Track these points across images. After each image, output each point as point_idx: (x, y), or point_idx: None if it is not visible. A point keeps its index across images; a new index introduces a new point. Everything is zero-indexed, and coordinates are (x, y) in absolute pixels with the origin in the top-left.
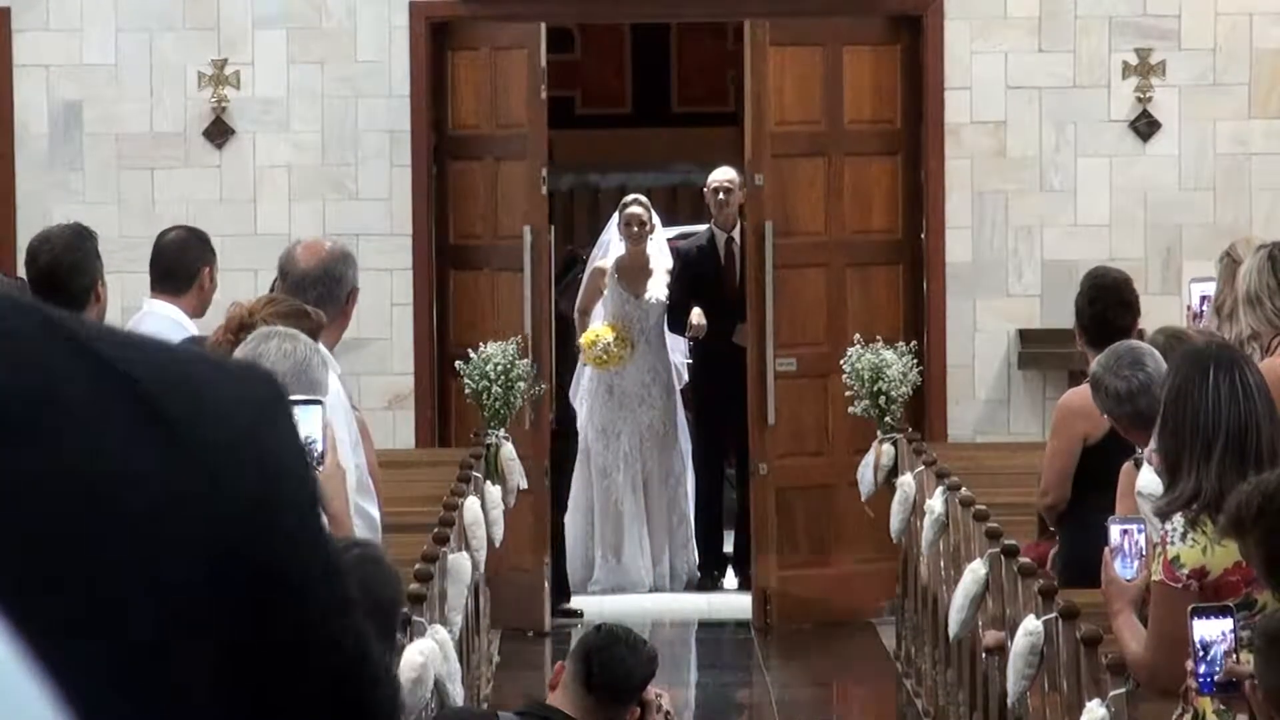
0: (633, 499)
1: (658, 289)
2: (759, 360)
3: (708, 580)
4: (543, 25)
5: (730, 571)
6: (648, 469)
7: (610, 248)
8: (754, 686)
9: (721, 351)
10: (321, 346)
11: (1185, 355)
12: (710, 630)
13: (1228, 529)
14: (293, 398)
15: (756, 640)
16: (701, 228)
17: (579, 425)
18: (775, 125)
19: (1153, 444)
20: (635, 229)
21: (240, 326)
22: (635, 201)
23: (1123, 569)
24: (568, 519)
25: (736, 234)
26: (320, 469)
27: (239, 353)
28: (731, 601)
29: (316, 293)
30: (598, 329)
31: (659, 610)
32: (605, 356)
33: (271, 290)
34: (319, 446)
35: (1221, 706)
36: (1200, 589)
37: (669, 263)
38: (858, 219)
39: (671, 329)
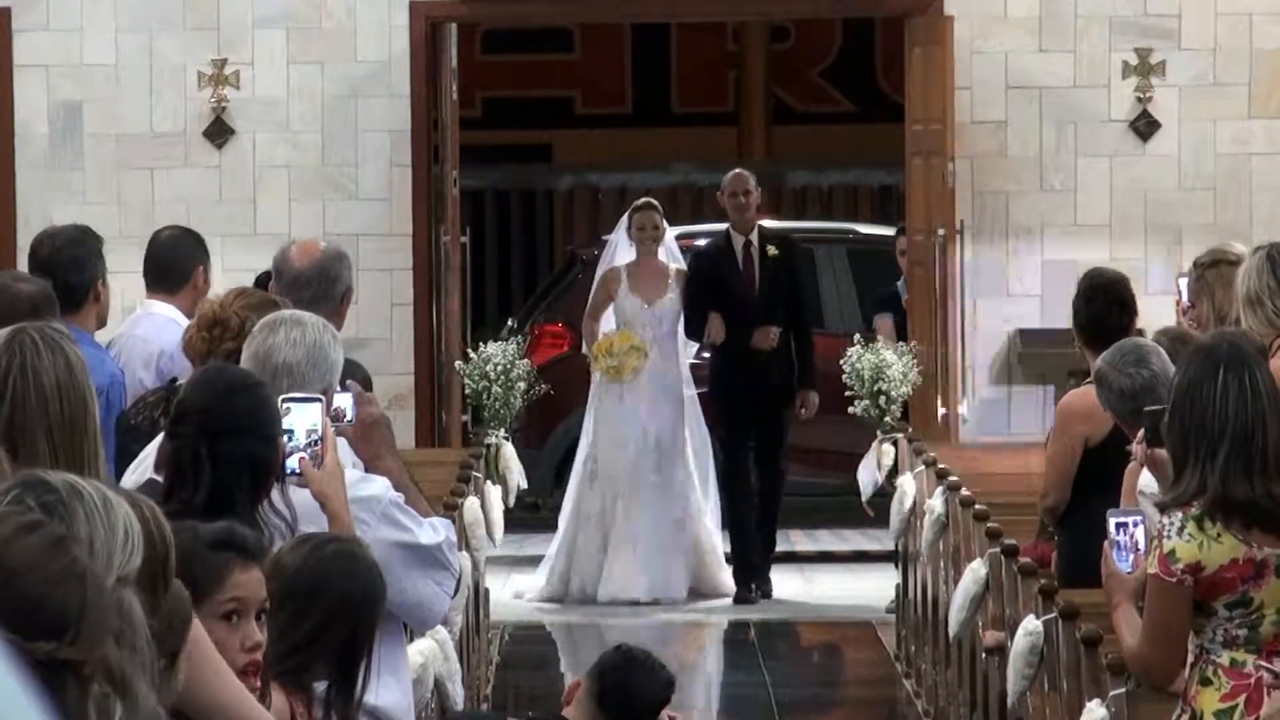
0: (638, 508)
1: (670, 294)
2: None
3: (744, 593)
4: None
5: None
6: (651, 478)
7: (618, 251)
8: (754, 686)
9: (741, 357)
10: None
11: (1197, 351)
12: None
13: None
14: (292, 395)
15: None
16: (709, 227)
17: (584, 434)
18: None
19: (1140, 435)
20: (649, 232)
21: (213, 323)
22: (648, 205)
23: (1119, 562)
24: (563, 528)
25: (754, 237)
26: (319, 468)
27: (247, 350)
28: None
29: (311, 292)
30: (611, 337)
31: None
32: (618, 366)
33: (256, 287)
34: (319, 444)
35: (1222, 706)
36: (1195, 584)
37: (681, 265)
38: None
39: (688, 335)
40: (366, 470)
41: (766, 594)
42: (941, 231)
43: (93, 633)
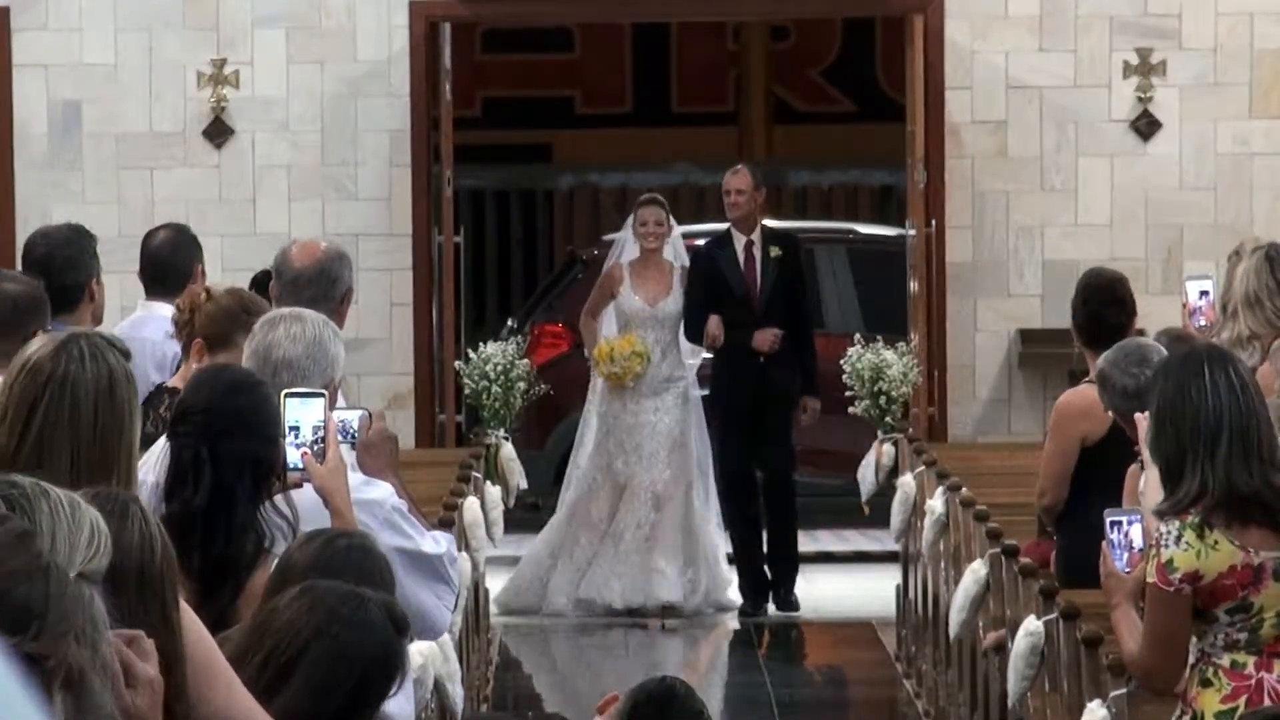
0: (647, 512)
1: (674, 295)
2: None
3: (748, 607)
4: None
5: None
6: (660, 483)
7: (626, 249)
8: (754, 686)
9: (742, 359)
10: (330, 320)
11: (1174, 360)
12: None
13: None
14: (295, 390)
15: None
16: (710, 226)
17: (587, 438)
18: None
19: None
20: (651, 228)
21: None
22: (652, 200)
23: (1114, 561)
24: (556, 532)
25: (756, 237)
26: (322, 464)
27: (248, 347)
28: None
29: (311, 292)
30: (613, 341)
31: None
32: (620, 373)
33: (253, 286)
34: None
35: (1223, 708)
36: (1195, 592)
37: (686, 264)
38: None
39: (688, 338)
40: None
41: (793, 606)
42: (911, 229)
43: (57, 627)
